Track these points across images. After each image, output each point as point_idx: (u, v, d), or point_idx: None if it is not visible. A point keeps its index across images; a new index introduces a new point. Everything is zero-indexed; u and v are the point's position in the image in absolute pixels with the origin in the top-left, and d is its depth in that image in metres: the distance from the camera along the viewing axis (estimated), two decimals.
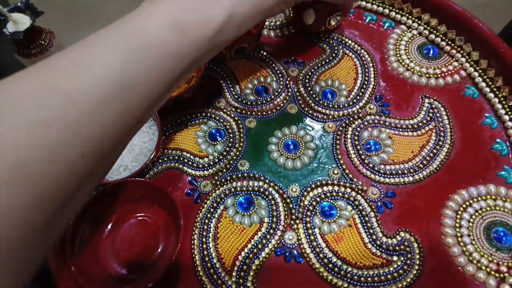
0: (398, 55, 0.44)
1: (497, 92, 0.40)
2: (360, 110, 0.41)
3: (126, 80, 0.20)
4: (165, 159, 0.39)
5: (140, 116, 0.22)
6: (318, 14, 0.40)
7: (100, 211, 0.34)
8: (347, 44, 0.45)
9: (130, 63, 0.20)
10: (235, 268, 0.33)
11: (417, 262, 0.32)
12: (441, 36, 0.44)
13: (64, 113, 0.18)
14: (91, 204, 0.33)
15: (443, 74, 0.42)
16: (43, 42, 0.46)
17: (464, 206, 0.35)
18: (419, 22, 0.45)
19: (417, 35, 0.45)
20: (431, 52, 0.44)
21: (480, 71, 0.41)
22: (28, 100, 0.17)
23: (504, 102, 0.39)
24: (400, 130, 0.39)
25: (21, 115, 0.17)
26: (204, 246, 0.34)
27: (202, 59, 0.25)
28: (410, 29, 0.46)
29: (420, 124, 0.40)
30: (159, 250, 0.33)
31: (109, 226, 0.34)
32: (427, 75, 0.42)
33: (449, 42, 0.44)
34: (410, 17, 0.46)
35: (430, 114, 0.40)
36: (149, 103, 0.22)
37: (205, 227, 0.35)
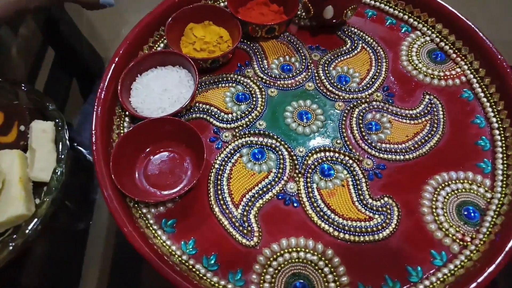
0: (409, 56, 0.50)
1: (490, 97, 0.46)
2: (368, 96, 0.47)
3: None
4: (196, 110, 0.45)
5: None
6: (336, 9, 0.47)
7: (139, 140, 0.41)
8: (366, 40, 0.51)
9: None
10: (242, 204, 0.39)
11: (394, 222, 0.38)
12: (450, 44, 0.50)
13: None
14: (133, 133, 0.40)
15: (445, 77, 0.48)
16: None
17: (443, 185, 0.41)
18: (433, 30, 0.51)
19: (429, 41, 0.51)
20: (439, 57, 0.50)
21: (478, 78, 0.47)
22: None
23: (494, 106, 0.45)
24: (400, 117, 0.45)
25: None
26: (219, 182, 0.41)
27: None
28: (424, 36, 0.52)
29: (418, 115, 0.45)
30: (182, 178, 0.40)
31: (144, 154, 0.41)
32: (431, 76, 0.48)
33: (456, 51, 0.49)
34: (426, 24, 0.52)
35: (428, 108, 0.46)
36: None
37: (222, 168, 0.41)
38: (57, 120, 0.39)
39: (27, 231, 0.34)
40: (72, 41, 0.67)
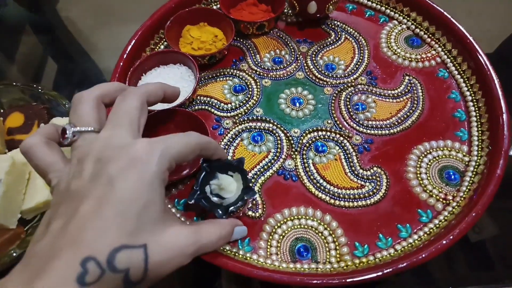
0: (388, 43, 0.55)
1: (463, 74, 0.50)
2: (353, 81, 0.51)
3: None
4: (198, 102, 0.50)
5: None
6: (319, 4, 0.52)
7: (149, 131, 0.45)
8: (349, 32, 0.56)
9: None
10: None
11: (384, 188, 0.43)
12: (424, 30, 0.55)
13: None
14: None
15: (422, 59, 0.53)
16: None
17: (425, 153, 0.45)
18: (408, 18, 0.56)
19: (406, 29, 0.56)
20: (415, 42, 0.55)
21: (452, 58, 0.52)
22: None
23: (467, 81, 0.50)
24: (383, 97, 0.50)
25: None
26: None
27: None
28: (401, 24, 0.57)
29: (399, 94, 0.50)
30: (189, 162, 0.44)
31: None
32: (409, 59, 0.53)
33: (430, 35, 0.54)
34: (402, 14, 0.57)
35: (408, 87, 0.51)
36: None
37: (226, 151, 0.46)
38: None
39: None
40: (71, 55, 0.71)
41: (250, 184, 0.38)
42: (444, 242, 0.36)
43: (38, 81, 0.65)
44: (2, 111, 0.47)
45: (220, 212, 0.35)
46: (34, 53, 0.70)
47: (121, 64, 0.48)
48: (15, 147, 0.43)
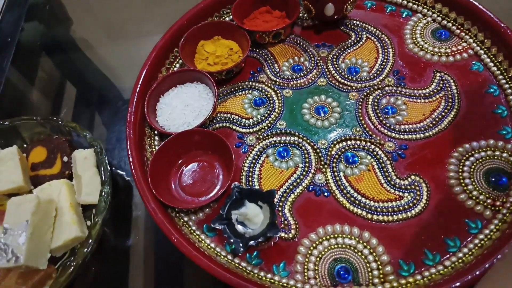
0: (413, 38, 0.52)
1: (499, 66, 0.47)
2: (380, 83, 0.48)
3: None
4: (218, 119, 0.48)
5: None
6: (336, 5, 0.49)
7: (170, 154, 0.43)
8: (370, 30, 0.53)
9: None
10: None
11: (425, 198, 0.40)
12: (452, 21, 0.51)
13: None
14: (164, 148, 0.43)
15: (453, 53, 0.49)
16: None
17: (467, 156, 0.42)
18: (433, 10, 0.53)
19: (431, 22, 0.53)
20: (443, 35, 0.51)
21: (485, 49, 0.48)
22: None
23: (505, 73, 0.46)
24: (414, 97, 0.47)
25: None
26: (250, 184, 0.43)
27: None
28: (425, 17, 0.53)
29: (431, 93, 0.47)
30: (215, 183, 0.42)
31: (176, 167, 0.44)
32: (439, 54, 0.50)
33: (459, 26, 0.51)
34: (425, 6, 0.53)
35: (441, 85, 0.47)
36: None
37: (251, 170, 0.44)
38: (96, 147, 0.42)
39: (85, 250, 0.36)
40: (89, 76, 0.71)
41: (276, 222, 0.37)
42: (499, 256, 0.33)
43: (59, 105, 0.65)
44: (25, 146, 0.47)
45: (241, 245, 0.33)
46: (53, 76, 0.70)
47: (138, 89, 0.47)
48: (39, 183, 0.42)
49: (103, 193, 0.39)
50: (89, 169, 0.41)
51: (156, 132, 0.47)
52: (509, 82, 0.45)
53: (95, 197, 0.40)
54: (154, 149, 0.46)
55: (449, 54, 0.49)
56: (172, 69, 0.53)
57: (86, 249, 0.36)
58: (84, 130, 0.43)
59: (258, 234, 0.34)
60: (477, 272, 0.32)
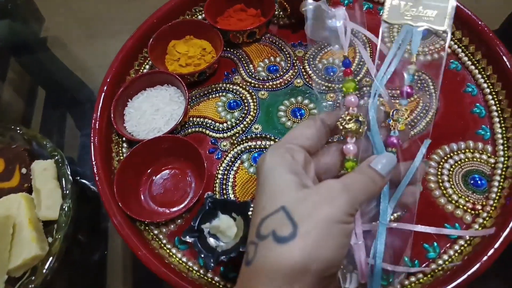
0: (391, 37, 0.50)
1: (477, 64, 0.46)
2: (357, 83, 0.47)
3: None
4: (191, 124, 0.46)
5: None
6: None
7: (139, 163, 0.41)
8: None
9: None
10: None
11: None
12: None
13: None
14: (131, 157, 0.40)
15: (430, 51, 0.48)
16: None
17: (445, 158, 0.41)
18: None
19: None
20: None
21: (463, 47, 0.47)
22: None
23: (483, 72, 0.45)
24: (392, 98, 0.45)
25: None
26: (224, 191, 0.41)
27: None
28: None
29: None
30: (188, 192, 0.40)
31: (146, 175, 0.41)
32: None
33: None
34: None
35: (418, 85, 0.46)
36: None
37: (225, 177, 0.42)
38: (56, 157, 0.39)
39: (44, 270, 0.34)
40: (59, 77, 0.68)
41: None
42: (478, 265, 0.32)
43: (32, 108, 0.62)
44: None
45: (211, 260, 0.31)
46: (24, 78, 0.67)
47: (103, 93, 0.44)
48: None
49: (64, 207, 0.36)
50: (49, 181, 0.38)
51: (124, 138, 0.44)
52: (488, 81, 0.45)
53: (55, 211, 0.37)
54: (122, 157, 0.43)
55: (426, 53, 0.48)
56: (141, 71, 0.50)
57: (45, 268, 0.34)
58: (44, 139, 0.40)
59: (230, 249, 0.32)
60: (459, 280, 0.31)
